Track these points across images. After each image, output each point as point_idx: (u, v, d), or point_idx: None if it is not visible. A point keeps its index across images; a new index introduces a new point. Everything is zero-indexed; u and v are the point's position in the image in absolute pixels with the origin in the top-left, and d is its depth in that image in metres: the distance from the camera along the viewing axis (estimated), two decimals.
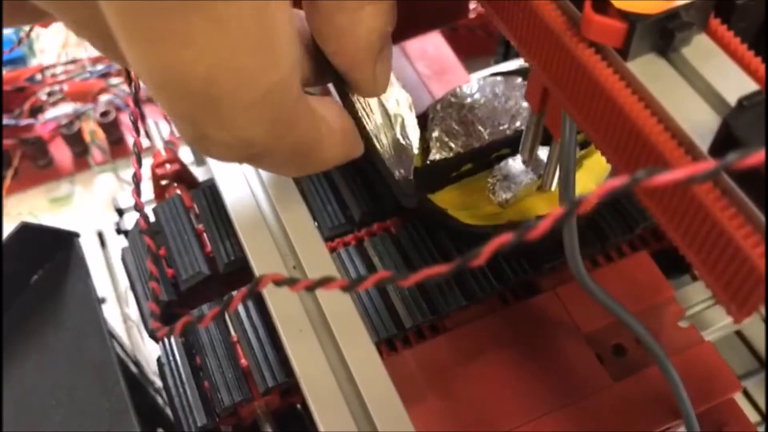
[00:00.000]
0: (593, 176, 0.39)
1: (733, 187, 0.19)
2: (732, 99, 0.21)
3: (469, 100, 0.40)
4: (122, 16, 0.19)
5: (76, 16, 0.22)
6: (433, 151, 0.39)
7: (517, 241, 0.17)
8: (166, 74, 0.20)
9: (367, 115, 0.31)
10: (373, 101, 0.32)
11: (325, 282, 0.21)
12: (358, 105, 0.30)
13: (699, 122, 0.21)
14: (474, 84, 0.41)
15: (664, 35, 0.22)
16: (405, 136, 0.33)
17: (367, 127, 0.31)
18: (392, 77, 0.33)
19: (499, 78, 0.41)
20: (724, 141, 0.20)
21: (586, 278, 0.32)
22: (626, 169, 0.23)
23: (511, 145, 0.39)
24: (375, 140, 0.31)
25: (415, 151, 0.34)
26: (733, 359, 0.54)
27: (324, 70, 0.28)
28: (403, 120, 0.33)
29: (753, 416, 0.51)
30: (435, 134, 0.39)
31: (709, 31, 0.23)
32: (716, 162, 0.15)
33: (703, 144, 0.21)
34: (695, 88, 0.22)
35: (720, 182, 0.20)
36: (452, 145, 0.39)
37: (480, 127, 0.39)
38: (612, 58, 0.22)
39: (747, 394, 0.53)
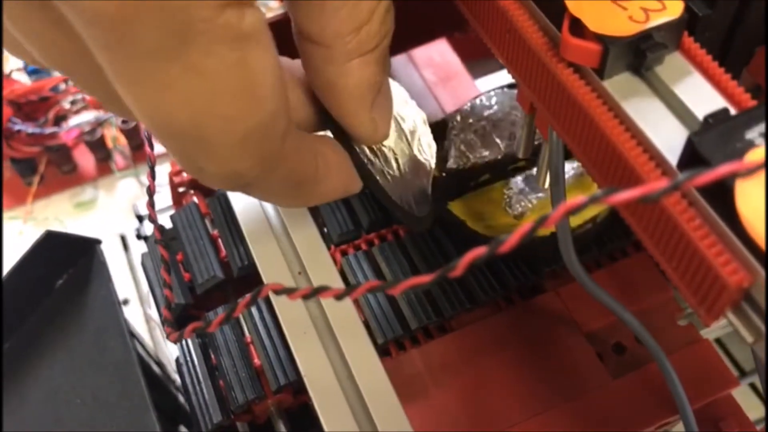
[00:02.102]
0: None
1: (699, 200, 0.21)
2: (702, 115, 0.22)
3: (486, 112, 0.41)
4: (111, 62, 0.20)
5: (83, 78, 0.23)
6: (451, 160, 0.40)
7: (490, 255, 0.18)
8: (153, 117, 0.21)
9: (373, 152, 0.31)
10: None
11: (320, 291, 0.22)
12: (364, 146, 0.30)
13: (670, 138, 0.22)
14: (492, 96, 0.42)
15: (637, 55, 0.23)
16: (422, 151, 0.34)
17: (373, 162, 0.31)
18: (407, 96, 0.34)
19: (515, 90, 0.41)
20: (690, 157, 0.21)
21: (582, 274, 0.33)
22: (603, 180, 0.24)
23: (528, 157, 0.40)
24: (385, 175, 0.31)
25: (432, 165, 0.35)
26: (742, 355, 0.55)
27: (325, 118, 0.28)
28: (419, 137, 0.34)
29: (761, 411, 0.51)
30: (454, 144, 0.40)
31: (682, 50, 0.24)
32: (667, 182, 0.16)
33: (674, 159, 0.22)
34: (667, 104, 0.23)
35: (688, 195, 0.21)
36: (469, 155, 0.40)
37: (497, 139, 0.40)
38: (589, 77, 0.24)
39: (755, 389, 0.54)
